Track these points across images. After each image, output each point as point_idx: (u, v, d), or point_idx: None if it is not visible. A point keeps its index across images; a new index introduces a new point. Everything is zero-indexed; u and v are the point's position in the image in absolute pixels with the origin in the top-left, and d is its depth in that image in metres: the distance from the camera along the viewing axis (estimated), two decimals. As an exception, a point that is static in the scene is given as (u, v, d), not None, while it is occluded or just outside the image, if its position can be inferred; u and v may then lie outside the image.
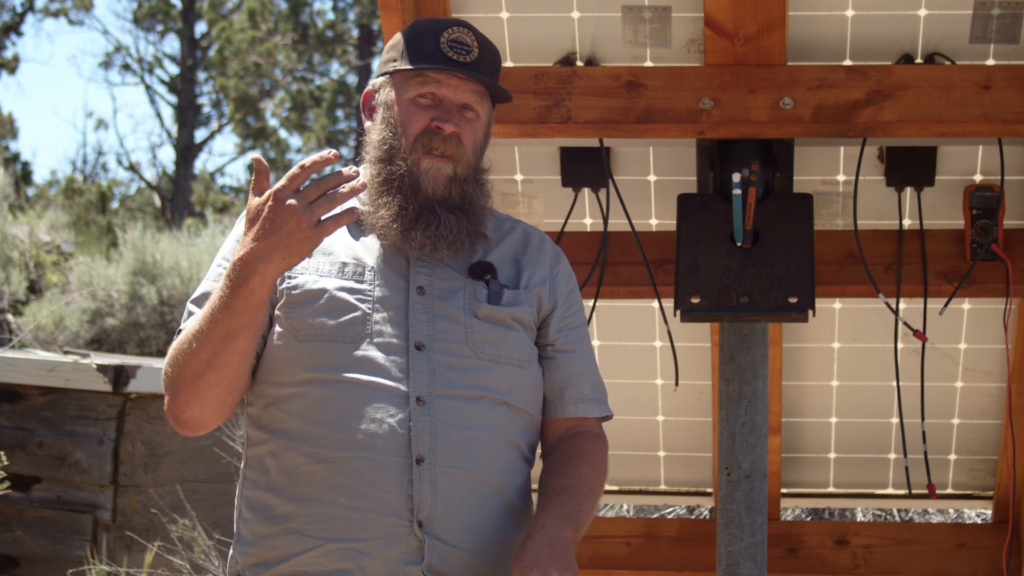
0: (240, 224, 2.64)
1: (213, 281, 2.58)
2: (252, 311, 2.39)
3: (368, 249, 2.59)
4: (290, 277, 2.55)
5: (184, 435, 2.90)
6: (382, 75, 2.67)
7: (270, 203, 2.34)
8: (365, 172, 2.64)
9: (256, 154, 2.27)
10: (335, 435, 2.46)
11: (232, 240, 2.63)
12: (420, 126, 2.59)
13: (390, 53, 2.67)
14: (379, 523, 2.44)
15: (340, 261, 2.57)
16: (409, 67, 2.60)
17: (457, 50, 2.59)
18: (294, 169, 2.33)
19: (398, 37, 2.66)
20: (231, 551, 2.58)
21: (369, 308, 2.52)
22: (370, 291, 2.53)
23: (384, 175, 2.59)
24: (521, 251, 2.69)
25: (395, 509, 2.44)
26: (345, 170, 2.34)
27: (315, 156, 2.33)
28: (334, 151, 2.32)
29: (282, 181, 2.33)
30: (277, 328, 2.54)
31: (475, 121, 2.62)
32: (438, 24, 2.62)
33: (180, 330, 2.52)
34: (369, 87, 2.70)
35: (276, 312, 2.55)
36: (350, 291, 2.53)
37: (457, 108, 2.60)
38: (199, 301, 2.56)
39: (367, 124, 2.69)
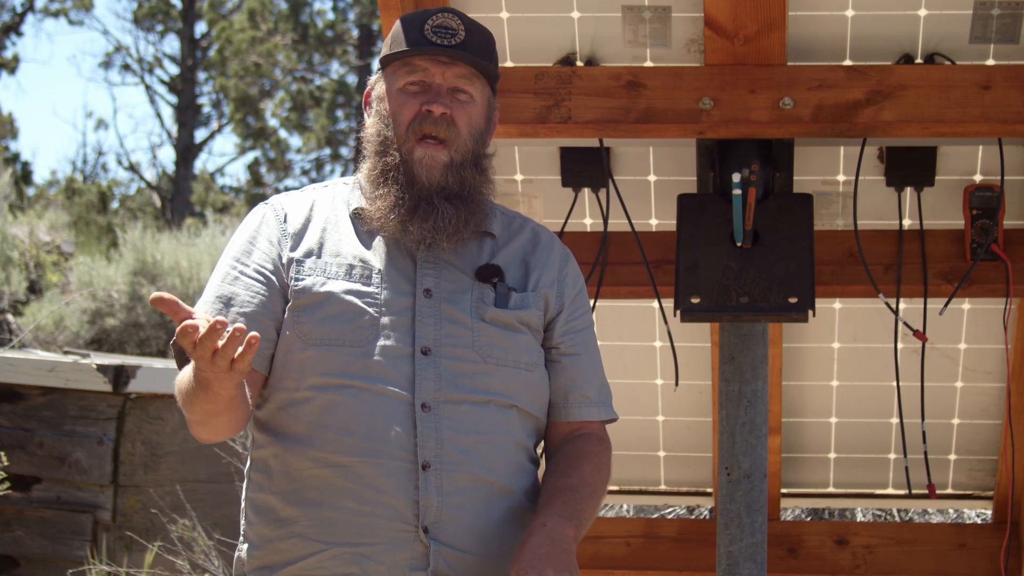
0: (246, 224, 2.63)
1: (220, 282, 2.55)
2: (227, 399, 2.37)
3: (375, 251, 2.57)
4: (298, 279, 2.54)
5: (183, 435, 2.90)
6: (378, 70, 2.66)
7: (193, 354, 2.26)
8: (364, 167, 2.63)
9: (156, 293, 2.22)
10: (342, 440, 2.46)
11: (243, 239, 2.60)
12: (411, 113, 2.57)
13: (384, 48, 2.67)
14: (385, 528, 2.44)
15: (347, 263, 2.55)
16: (393, 53, 2.59)
17: (441, 34, 2.57)
18: (197, 339, 2.21)
19: (392, 31, 2.66)
20: (236, 553, 2.58)
21: (376, 312, 2.50)
22: (377, 294, 2.52)
23: (380, 167, 2.58)
24: (530, 251, 2.66)
25: (401, 514, 2.44)
26: (230, 330, 2.23)
27: (202, 326, 2.20)
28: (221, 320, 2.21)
29: (192, 349, 2.23)
30: (286, 332, 2.52)
31: (469, 103, 2.59)
32: (425, 12, 2.61)
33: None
34: (368, 86, 2.70)
35: (285, 315, 2.53)
36: (358, 294, 2.51)
37: (447, 91, 2.58)
38: (212, 303, 2.53)
39: (365, 120, 2.68)
